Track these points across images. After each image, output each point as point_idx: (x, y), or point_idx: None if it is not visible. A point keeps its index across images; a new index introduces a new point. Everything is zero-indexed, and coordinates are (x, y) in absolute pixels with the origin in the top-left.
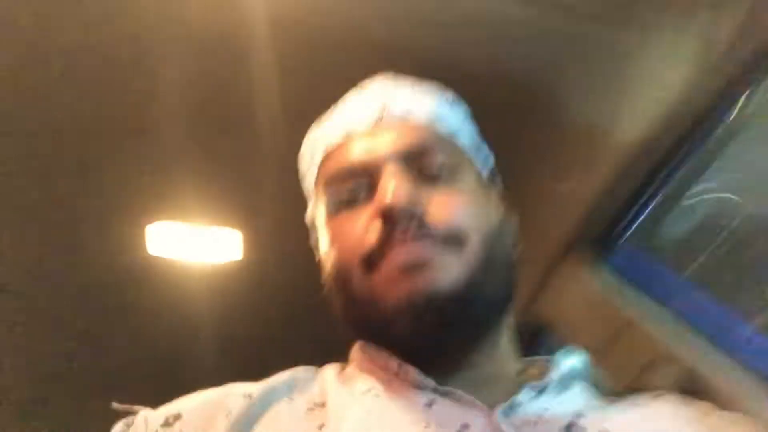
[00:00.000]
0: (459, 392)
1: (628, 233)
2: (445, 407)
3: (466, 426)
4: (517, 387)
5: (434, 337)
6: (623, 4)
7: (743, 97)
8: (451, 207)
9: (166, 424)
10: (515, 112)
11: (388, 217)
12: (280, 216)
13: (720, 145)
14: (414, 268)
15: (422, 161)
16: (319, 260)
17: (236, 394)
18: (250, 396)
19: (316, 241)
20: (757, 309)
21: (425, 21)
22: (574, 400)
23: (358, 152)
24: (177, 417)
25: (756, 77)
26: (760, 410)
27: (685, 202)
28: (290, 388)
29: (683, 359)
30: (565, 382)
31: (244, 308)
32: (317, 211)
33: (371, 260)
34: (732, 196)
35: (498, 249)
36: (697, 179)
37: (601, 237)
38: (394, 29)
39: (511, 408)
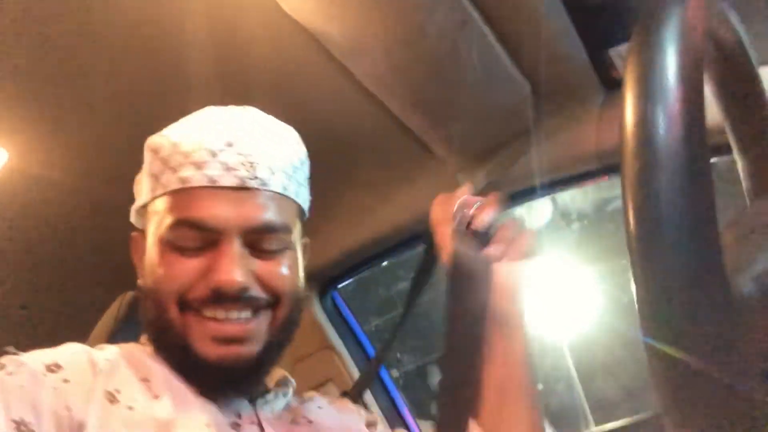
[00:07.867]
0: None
1: (346, 281)
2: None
3: (239, 415)
4: (267, 389)
5: (237, 382)
6: None
7: None
8: (275, 275)
9: (50, 370)
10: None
11: (218, 294)
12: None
13: None
14: (228, 341)
15: (263, 238)
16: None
17: (99, 357)
18: (109, 360)
19: (139, 213)
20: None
21: None
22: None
23: (213, 214)
24: (57, 366)
25: None
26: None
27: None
28: (123, 359)
29: (345, 381)
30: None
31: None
32: (159, 210)
33: (187, 305)
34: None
35: (298, 303)
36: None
37: (332, 277)
38: None
39: (266, 402)
